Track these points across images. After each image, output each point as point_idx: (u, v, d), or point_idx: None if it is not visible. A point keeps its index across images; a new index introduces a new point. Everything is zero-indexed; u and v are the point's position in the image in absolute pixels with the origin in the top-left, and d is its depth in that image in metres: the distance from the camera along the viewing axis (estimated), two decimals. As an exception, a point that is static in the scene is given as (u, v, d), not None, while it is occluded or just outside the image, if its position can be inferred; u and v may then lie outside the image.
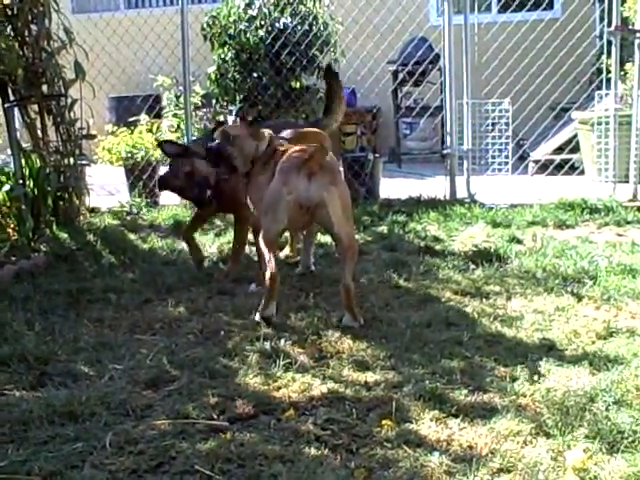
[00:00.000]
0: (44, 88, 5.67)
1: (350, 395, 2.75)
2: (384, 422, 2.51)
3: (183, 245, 5.18)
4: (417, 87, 8.15)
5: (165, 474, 2.25)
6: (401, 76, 8.36)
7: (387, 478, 2.20)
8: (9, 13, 5.51)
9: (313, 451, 2.35)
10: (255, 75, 7.05)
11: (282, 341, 3.27)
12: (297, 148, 3.72)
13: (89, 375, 3.03)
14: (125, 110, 8.65)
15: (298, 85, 7.14)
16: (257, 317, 3.58)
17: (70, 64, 5.73)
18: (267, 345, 3.23)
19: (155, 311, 3.83)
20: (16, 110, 5.69)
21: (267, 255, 3.60)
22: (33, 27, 5.62)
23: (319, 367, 3.02)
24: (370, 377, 2.90)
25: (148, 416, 2.64)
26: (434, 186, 6.79)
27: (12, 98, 5.53)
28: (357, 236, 5.40)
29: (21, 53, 5.53)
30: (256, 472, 2.23)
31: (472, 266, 4.37)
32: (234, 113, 7.21)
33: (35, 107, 5.69)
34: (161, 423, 2.57)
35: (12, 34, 5.53)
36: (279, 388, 2.83)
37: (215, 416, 2.62)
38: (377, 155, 6.87)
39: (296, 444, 2.40)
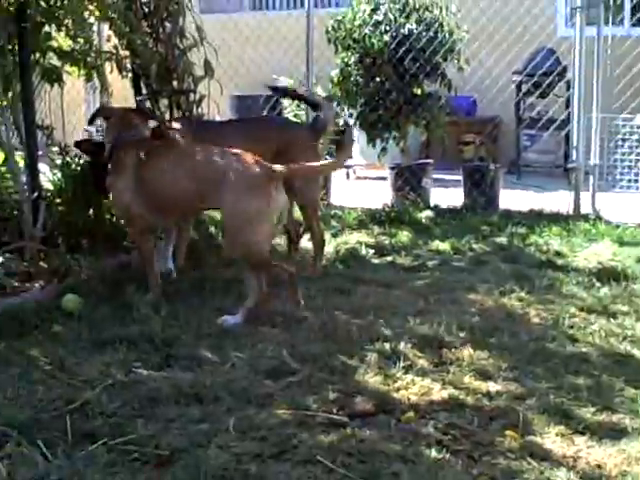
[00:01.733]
0: (174, 84, 5.83)
1: (471, 403, 2.71)
2: (507, 432, 2.47)
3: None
4: (542, 99, 7.95)
5: (287, 462, 2.28)
6: (526, 87, 8.19)
7: (511, 488, 2.16)
8: (146, 11, 5.71)
9: (434, 454, 2.34)
10: (378, 80, 7.05)
11: (402, 344, 3.25)
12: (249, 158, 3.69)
13: (212, 361, 3.11)
14: (247, 109, 8.83)
15: (420, 92, 7.09)
16: (238, 321, 3.58)
17: (198, 62, 5.88)
18: (387, 346, 3.23)
19: (274, 305, 3.88)
20: (147, 103, 5.88)
21: (256, 272, 3.66)
22: (167, 25, 5.80)
23: (439, 372, 3.00)
24: (492, 387, 2.85)
25: (269, 405, 2.69)
26: (555, 200, 6.61)
27: (144, 92, 5.72)
28: (475, 245, 5.36)
29: (155, 49, 5.71)
30: (377, 469, 2.23)
31: (597, 284, 4.22)
32: (354, 117, 7.23)
33: (165, 101, 5.86)
34: (282, 412, 2.61)
35: (148, 31, 5.73)
36: (398, 389, 2.82)
37: (334, 411, 2.64)
38: (498, 165, 6.77)
39: (416, 445, 2.40)
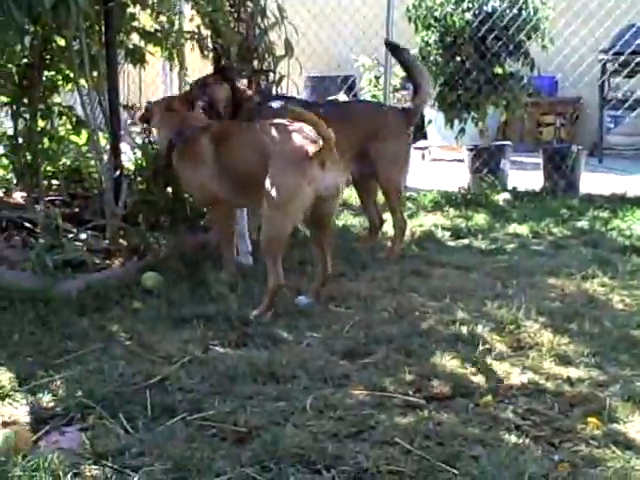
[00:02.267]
0: (255, 63, 5.84)
1: (551, 389, 2.66)
2: (590, 419, 2.41)
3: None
4: (630, 79, 7.69)
5: (365, 442, 2.27)
6: (611, 66, 7.92)
7: (593, 476, 2.10)
8: (228, -11, 5.72)
9: (513, 439, 2.30)
10: (458, 59, 6.93)
11: (479, 327, 3.20)
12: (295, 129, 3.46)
13: (288, 340, 3.13)
14: (325, 90, 8.81)
15: (501, 71, 6.94)
16: (255, 313, 3.40)
17: (278, 41, 5.86)
18: (464, 329, 3.18)
19: (350, 285, 3.87)
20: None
21: (277, 260, 3.42)
22: (249, 4, 5.81)
23: (517, 357, 2.95)
24: (573, 373, 2.78)
25: (345, 385, 2.68)
26: (639, 183, 6.41)
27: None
28: (555, 229, 5.24)
29: (236, 29, 5.73)
30: (456, 451, 2.20)
31: (684, 271, 4.08)
32: (433, 97, 7.12)
33: (244, 81, 5.88)
34: (359, 393, 2.60)
35: (230, 10, 5.74)
36: (476, 373, 2.78)
37: (411, 393, 2.62)
38: (580, 147, 6.59)
39: (495, 430, 2.36)
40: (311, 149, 3.33)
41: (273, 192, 3.37)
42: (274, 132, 3.54)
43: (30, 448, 2.22)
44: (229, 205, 3.93)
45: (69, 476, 2.04)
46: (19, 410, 2.49)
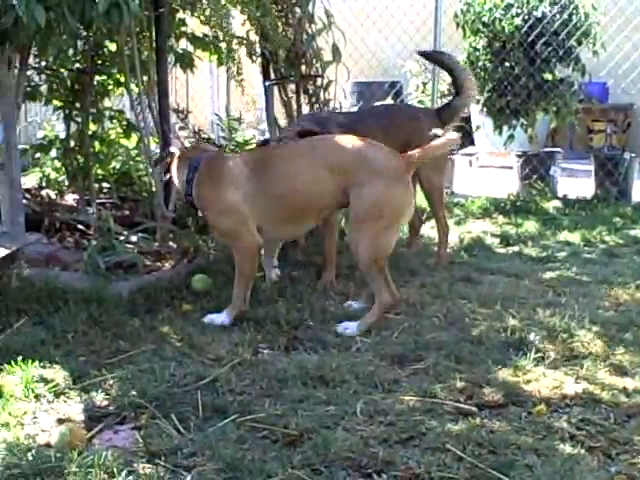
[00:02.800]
0: (302, 68, 5.86)
1: (606, 399, 2.60)
2: (647, 431, 2.35)
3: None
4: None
5: (416, 448, 2.25)
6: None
7: (652, 490, 2.05)
8: (277, -5, 5.75)
9: (568, 449, 2.26)
10: (507, 64, 6.88)
11: (531, 335, 3.15)
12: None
13: (337, 344, 3.12)
14: (372, 95, 8.79)
15: (551, 77, 6.87)
16: (354, 331, 3.27)
17: (326, 46, 5.87)
18: (515, 337, 3.14)
19: (399, 292, 3.84)
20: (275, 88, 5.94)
21: (384, 276, 3.33)
22: (297, 9, 5.83)
23: (571, 366, 2.89)
24: (629, 383, 2.73)
25: (395, 391, 2.67)
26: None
27: (272, 77, 5.78)
28: (607, 237, 5.17)
29: (284, 34, 5.75)
30: (509, 460, 2.17)
31: None
32: (481, 103, 7.07)
33: (292, 86, 5.90)
34: (409, 399, 2.58)
35: (278, 15, 5.77)
36: (529, 381, 2.74)
37: (462, 400, 2.59)
38: (633, 155, 6.48)
39: (549, 439, 2.32)
40: (411, 160, 3.35)
41: (379, 209, 3.26)
42: (353, 147, 3.38)
43: (85, 445, 2.24)
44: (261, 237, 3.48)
45: (123, 474, 2.06)
46: (73, 407, 2.52)
